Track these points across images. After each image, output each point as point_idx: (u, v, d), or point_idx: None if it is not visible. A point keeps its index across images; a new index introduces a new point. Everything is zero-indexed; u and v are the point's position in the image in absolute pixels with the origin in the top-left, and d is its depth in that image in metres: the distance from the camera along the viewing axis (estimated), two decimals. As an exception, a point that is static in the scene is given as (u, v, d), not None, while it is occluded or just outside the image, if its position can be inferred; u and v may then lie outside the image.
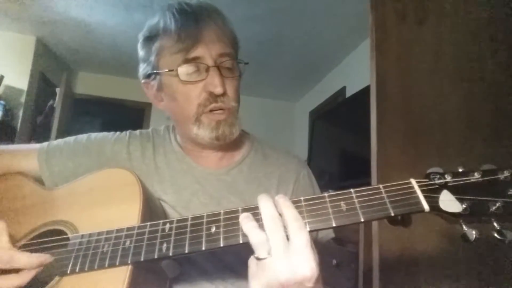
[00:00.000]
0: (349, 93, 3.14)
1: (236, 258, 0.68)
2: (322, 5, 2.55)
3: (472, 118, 1.11)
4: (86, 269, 0.50)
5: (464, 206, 0.40)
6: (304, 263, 0.40)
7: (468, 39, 1.15)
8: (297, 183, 0.77)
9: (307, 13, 2.68)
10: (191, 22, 0.66)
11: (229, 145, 0.76)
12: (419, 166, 1.01)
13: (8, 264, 0.49)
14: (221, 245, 0.45)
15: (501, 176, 0.40)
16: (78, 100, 4.03)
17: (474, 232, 0.40)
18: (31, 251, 0.53)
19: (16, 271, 0.50)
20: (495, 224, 0.39)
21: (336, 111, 3.03)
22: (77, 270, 0.51)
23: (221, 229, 0.46)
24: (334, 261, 1.42)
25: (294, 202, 0.44)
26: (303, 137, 4.10)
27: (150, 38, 0.71)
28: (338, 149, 2.70)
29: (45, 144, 0.76)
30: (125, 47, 3.42)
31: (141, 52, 0.74)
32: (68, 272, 0.51)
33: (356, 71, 3.02)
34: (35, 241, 0.59)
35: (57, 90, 3.51)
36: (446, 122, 1.10)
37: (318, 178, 0.83)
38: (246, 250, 0.68)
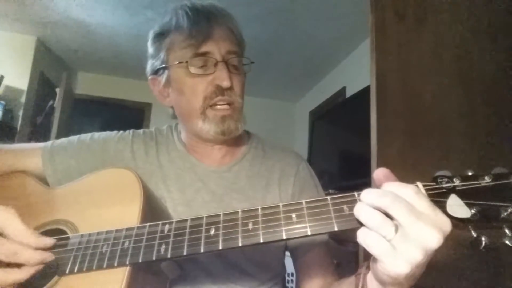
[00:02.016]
0: (349, 93, 3.14)
1: (240, 257, 0.69)
2: (322, 5, 2.55)
3: (472, 118, 1.11)
4: (84, 269, 0.50)
5: (473, 211, 0.38)
6: (444, 217, 0.36)
7: (468, 39, 1.15)
8: (298, 175, 0.78)
9: (307, 13, 2.68)
10: (203, 20, 0.69)
11: (231, 141, 0.77)
12: (419, 166, 1.01)
13: (11, 257, 0.49)
14: (220, 247, 0.44)
15: None
16: (78, 100, 4.02)
17: (484, 239, 0.38)
18: None
19: (18, 265, 0.50)
20: (507, 231, 0.37)
21: (336, 111, 3.03)
22: (75, 270, 0.51)
23: (220, 231, 0.45)
24: (334, 261, 1.42)
25: (294, 205, 0.43)
26: (303, 137, 4.10)
27: (161, 34, 0.73)
28: (338, 149, 2.70)
29: (49, 142, 0.77)
30: (125, 47, 3.42)
31: (150, 49, 0.76)
32: (67, 272, 0.51)
33: (356, 71, 3.02)
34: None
35: (57, 90, 3.51)
36: (446, 122, 1.10)
37: (318, 178, 0.83)
38: (250, 249, 0.68)
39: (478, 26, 1.16)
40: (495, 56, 1.15)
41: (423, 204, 0.36)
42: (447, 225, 0.36)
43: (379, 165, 1.00)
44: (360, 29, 2.66)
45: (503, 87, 1.13)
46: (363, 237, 0.37)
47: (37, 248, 0.51)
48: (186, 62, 0.69)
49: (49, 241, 0.52)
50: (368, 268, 0.44)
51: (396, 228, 0.36)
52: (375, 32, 1.11)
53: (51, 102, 3.58)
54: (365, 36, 2.72)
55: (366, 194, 0.38)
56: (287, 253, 0.78)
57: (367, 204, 0.38)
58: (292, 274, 1.90)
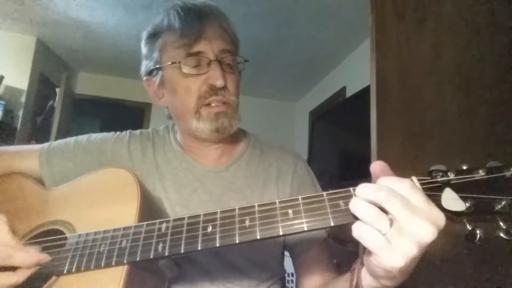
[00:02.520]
0: (349, 93, 3.14)
1: (238, 256, 0.69)
2: (322, 5, 2.55)
3: (472, 118, 1.10)
4: (82, 269, 0.50)
5: (468, 204, 0.38)
6: (438, 212, 0.37)
7: (468, 39, 1.15)
8: (295, 173, 0.78)
9: (307, 13, 2.68)
10: (195, 19, 0.69)
11: (228, 141, 0.77)
12: (419, 166, 1.01)
13: (5, 261, 0.49)
14: (217, 245, 0.44)
15: (507, 174, 0.38)
16: (78, 100, 4.02)
17: (478, 232, 0.38)
18: None
19: (13, 268, 0.50)
20: (501, 223, 0.38)
21: (336, 111, 3.03)
22: (73, 270, 0.50)
23: (217, 229, 0.45)
24: (334, 261, 1.42)
25: (291, 201, 0.44)
26: (303, 137, 4.10)
27: (154, 35, 0.73)
28: (338, 149, 2.70)
29: (46, 144, 0.77)
30: (125, 47, 3.42)
31: (144, 50, 0.76)
32: (65, 272, 0.51)
33: (356, 71, 3.02)
34: (33, 241, 0.59)
35: (57, 90, 3.51)
36: (446, 122, 1.10)
37: (318, 178, 0.83)
38: (248, 248, 0.68)
39: (478, 26, 1.16)
40: (495, 56, 1.14)
41: (418, 198, 0.37)
42: (441, 219, 0.36)
43: (379, 165, 1.00)
44: (360, 29, 2.66)
45: (503, 87, 1.13)
46: (358, 231, 0.37)
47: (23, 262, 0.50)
48: (179, 62, 0.68)
49: (34, 250, 0.51)
50: (362, 264, 0.44)
51: (391, 222, 0.36)
52: (375, 32, 1.11)
53: (51, 102, 3.58)
54: (365, 36, 2.72)
55: (361, 189, 0.39)
56: (287, 253, 0.78)
57: (363, 198, 0.38)
58: (292, 274, 1.90)
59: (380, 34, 1.12)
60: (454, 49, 1.14)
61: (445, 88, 1.12)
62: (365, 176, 0.46)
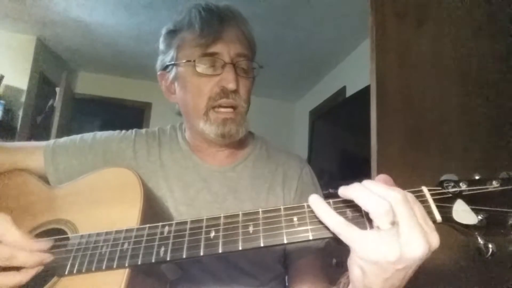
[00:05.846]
0: (349, 93, 3.14)
1: (241, 257, 0.68)
2: (322, 5, 2.55)
3: (472, 118, 1.10)
4: (83, 271, 0.50)
5: (480, 217, 0.37)
6: (435, 233, 0.37)
7: (468, 39, 1.15)
8: (301, 179, 0.78)
9: (307, 13, 2.68)
10: (215, 20, 0.69)
11: (235, 143, 0.77)
12: (419, 165, 1.01)
13: (7, 261, 0.49)
14: (220, 251, 0.43)
15: None
16: (78, 100, 4.02)
17: (491, 246, 0.37)
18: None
19: (17, 268, 0.50)
20: None
21: (336, 111, 3.03)
22: (74, 271, 0.50)
23: (220, 234, 0.44)
24: (334, 261, 1.42)
25: (297, 208, 0.43)
26: (303, 137, 4.09)
27: (173, 31, 0.74)
28: (338, 149, 2.70)
29: (51, 141, 0.77)
30: (125, 47, 3.41)
31: (161, 45, 0.77)
32: (66, 273, 0.50)
33: (356, 71, 3.02)
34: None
35: (57, 90, 3.51)
36: (446, 122, 1.10)
37: (318, 178, 0.83)
38: (251, 249, 0.68)
39: (478, 26, 1.16)
40: (495, 56, 1.14)
41: (420, 213, 0.37)
42: (436, 242, 0.36)
43: (379, 165, 1.00)
44: (360, 29, 2.65)
45: (503, 87, 1.13)
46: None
47: (34, 251, 0.51)
48: (194, 61, 0.69)
49: (46, 243, 0.52)
50: (348, 278, 0.43)
51: (393, 223, 0.36)
52: (375, 32, 1.11)
53: (51, 102, 3.58)
54: (365, 36, 2.72)
55: (374, 184, 0.38)
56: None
57: (375, 193, 0.38)
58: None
59: (380, 34, 1.12)
60: (454, 49, 1.14)
61: (445, 88, 1.12)
62: (365, 176, 0.46)
